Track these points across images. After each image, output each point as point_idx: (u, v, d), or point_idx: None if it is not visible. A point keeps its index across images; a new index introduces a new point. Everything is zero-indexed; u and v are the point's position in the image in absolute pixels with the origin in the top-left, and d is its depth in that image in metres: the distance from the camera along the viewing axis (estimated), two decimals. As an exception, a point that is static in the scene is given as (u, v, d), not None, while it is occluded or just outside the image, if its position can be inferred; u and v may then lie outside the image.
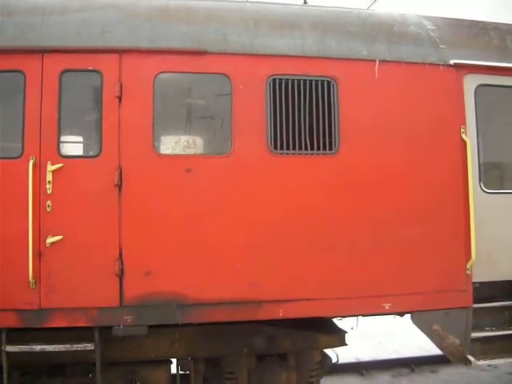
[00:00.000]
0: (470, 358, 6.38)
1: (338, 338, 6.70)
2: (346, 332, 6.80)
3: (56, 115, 5.70)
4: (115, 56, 5.83)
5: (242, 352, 6.35)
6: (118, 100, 5.77)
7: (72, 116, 6.05)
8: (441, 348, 6.50)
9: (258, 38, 6.15)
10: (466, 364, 6.52)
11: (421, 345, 10.27)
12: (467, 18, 7.25)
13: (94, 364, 5.71)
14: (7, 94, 5.92)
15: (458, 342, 6.38)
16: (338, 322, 7.07)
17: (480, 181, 6.49)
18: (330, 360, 6.97)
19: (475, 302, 6.38)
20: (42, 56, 5.73)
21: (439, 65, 6.45)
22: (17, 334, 5.64)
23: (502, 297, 6.73)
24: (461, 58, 6.50)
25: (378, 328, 11.82)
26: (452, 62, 6.46)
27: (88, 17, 5.92)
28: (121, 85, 5.78)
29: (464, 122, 6.43)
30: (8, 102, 5.93)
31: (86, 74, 5.83)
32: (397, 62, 6.36)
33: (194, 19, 6.14)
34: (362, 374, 9.59)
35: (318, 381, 6.80)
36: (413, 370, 9.77)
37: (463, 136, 6.39)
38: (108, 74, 5.80)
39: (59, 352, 5.67)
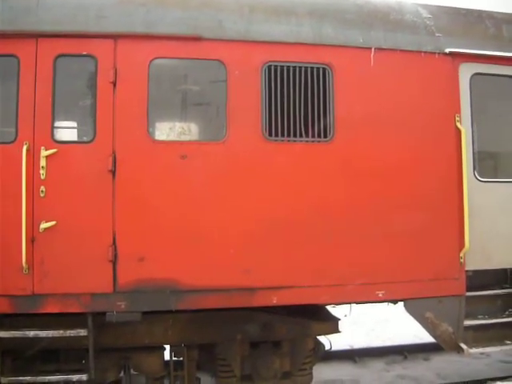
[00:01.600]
0: (463, 345, 6.41)
1: (332, 325, 6.73)
2: (339, 319, 6.83)
3: (50, 100, 5.66)
4: (110, 41, 5.79)
5: (235, 339, 6.37)
6: (112, 85, 5.74)
7: (66, 101, 6.01)
8: (434, 336, 6.54)
9: (254, 25, 6.12)
10: (458, 352, 6.55)
11: (414, 332, 10.31)
12: (463, 7, 7.23)
13: (88, 350, 5.73)
14: (1, 79, 5.88)
15: (450, 329, 6.42)
16: (331, 309, 7.10)
17: (474, 169, 6.50)
18: (324, 347, 7.02)
19: (468, 290, 6.42)
20: (37, 40, 5.69)
21: (435, 53, 6.44)
22: (9, 320, 5.64)
23: (495, 285, 6.78)
24: (456, 47, 6.49)
25: (372, 315, 11.88)
26: (448, 50, 6.45)
27: (83, 1, 5.87)
28: (115, 70, 5.75)
29: (459, 111, 6.44)
30: (2, 87, 5.89)
31: (80, 59, 5.79)
32: (392, 50, 6.34)
33: (189, 5, 6.09)
34: (356, 362, 9.61)
35: (311, 368, 6.84)
36: (406, 358, 9.80)
37: (458, 124, 6.39)
38: (102, 59, 5.76)
39: (52, 338, 5.67)
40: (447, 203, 6.33)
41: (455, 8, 7.13)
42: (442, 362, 9.48)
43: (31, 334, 5.60)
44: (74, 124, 6.98)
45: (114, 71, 5.74)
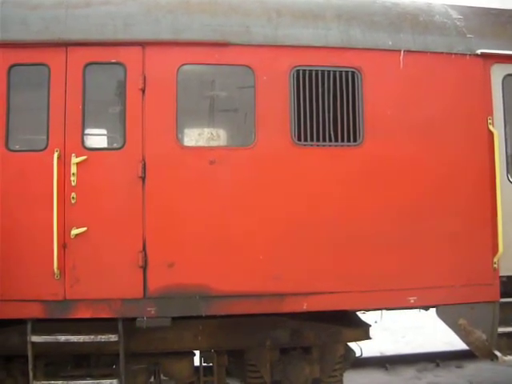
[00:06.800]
0: (497, 353, 6.27)
1: (362, 331, 6.65)
2: (370, 325, 6.75)
3: (80, 108, 5.74)
4: (138, 48, 5.84)
5: (264, 345, 6.33)
6: (141, 92, 5.79)
7: (96, 108, 6.08)
8: (467, 343, 6.41)
9: (281, 29, 6.10)
10: (492, 359, 6.41)
11: (445, 339, 10.15)
12: (495, 7, 7.12)
13: (118, 355, 5.76)
14: (32, 87, 5.98)
15: (484, 336, 6.28)
16: (362, 315, 7.02)
17: (508, 172, 6.37)
18: (354, 354, 6.94)
19: (502, 296, 6.28)
20: (66, 49, 5.77)
21: (466, 54, 6.34)
22: (42, 325, 5.70)
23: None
24: (488, 48, 6.37)
25: (403, 322, 11.73)
26: (479, 51, 6.34)
27: (111, 10, 5.95)
28: (144, 77, 5.79)
29: (491, 113, 6.32)
30: (33, 95, 5.98)
31: (109, 66, 5.87)
32: (422, 52, 6.26)
33: (216, 11, 6.11)
34: (386, 369, 9.51)
35: (342, 374, 6.77)
36: (438, 365, 9.67)
37: (490, 127, 6.27)
38: (131, 67, 5.81)
39: (83, 343, 5.72)
40: (480, 207, 6.21)
41: (486, 8, 7.04)
42: (475, 370, 9.31)
43: (63, 338, 5.66)
44: (104, 131, 7.05)
45: (142, 78, 5.78)
